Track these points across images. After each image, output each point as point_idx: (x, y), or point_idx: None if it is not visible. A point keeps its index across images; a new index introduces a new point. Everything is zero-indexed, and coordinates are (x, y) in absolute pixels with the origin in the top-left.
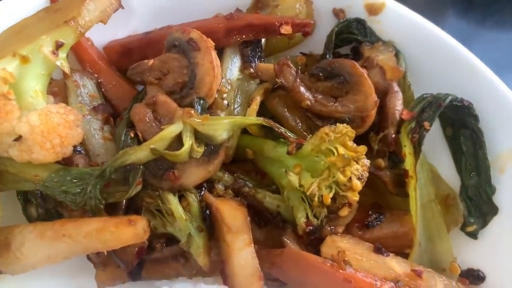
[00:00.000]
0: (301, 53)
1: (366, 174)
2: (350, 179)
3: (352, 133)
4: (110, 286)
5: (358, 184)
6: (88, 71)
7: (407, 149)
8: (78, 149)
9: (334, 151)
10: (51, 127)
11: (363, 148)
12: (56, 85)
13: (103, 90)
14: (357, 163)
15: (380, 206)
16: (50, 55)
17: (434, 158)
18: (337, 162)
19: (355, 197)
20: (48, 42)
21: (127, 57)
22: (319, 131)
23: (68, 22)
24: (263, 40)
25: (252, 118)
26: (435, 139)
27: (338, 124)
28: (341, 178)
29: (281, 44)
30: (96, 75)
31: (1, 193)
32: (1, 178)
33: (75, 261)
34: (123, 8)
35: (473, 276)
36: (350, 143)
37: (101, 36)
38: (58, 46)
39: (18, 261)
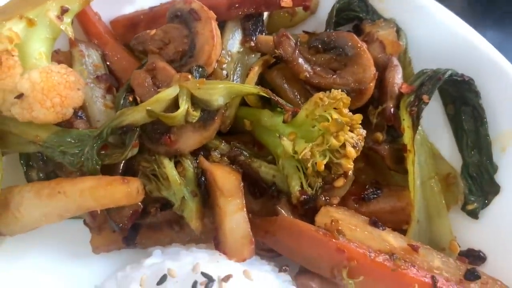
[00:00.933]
0: (303, 31)
1: (361, 143)
2: (344, 146)
3: (347, 99)
4: (104, 251)
5: (352, 151)
6: (94, 43)
7: (406, 123)
8: (79, 114)
9: (329, 117)
10: (51, 85)
11: (358, 116)
12: (62, 55)
13: (108, 62)
14: (352, 132)
15: (378, 183)
16: (55, 19)
17: (435, 138)
18: (330, 127)
19: (349, 165)
20: (54, 7)
21: (133, 31)
22: (313, 96)
23: None
24: (265, 15)
25: (249, 86)
26: (436, 118)
27: (332, 90)
28: (334, 142)
29: (283, 22)
30: (101, 48)
31: (4, 156)
32: (5, 139)
33: (72, 230)
34: None
35: (473, 256)
36: (346, 111)
37: (108, 11)
38: (64, 11)
39: (16, 220)
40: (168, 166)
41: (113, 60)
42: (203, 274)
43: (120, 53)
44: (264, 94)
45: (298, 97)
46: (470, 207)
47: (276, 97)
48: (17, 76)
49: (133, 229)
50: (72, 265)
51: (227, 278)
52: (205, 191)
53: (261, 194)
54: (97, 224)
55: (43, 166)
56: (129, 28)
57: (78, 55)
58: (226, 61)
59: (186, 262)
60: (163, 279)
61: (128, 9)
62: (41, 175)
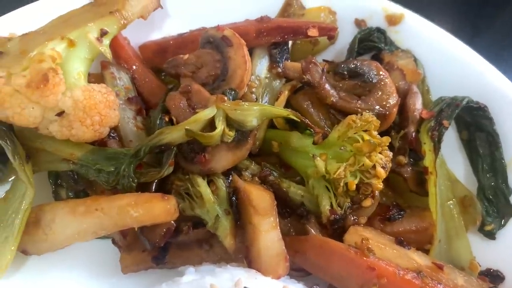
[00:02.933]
0: (324, 60)
1: (389, 164)
2: (374, 166)
3: (377, 122)
4: (133, 271)
5: (382, 172)
6: (124, 66)
7: (427, 146)
8: (112, 135)
9: (360, 139)
10: (93, 104)
11: (386, 139)
12: (93, 76)
13: (136, 85)
14: (380, 154)
15: (399, 205)
16: (95, 41)
17: (451, 163)
18: (363, 148)
19: (379, 185)
20: (94, 29)
21: (161, 56)
22: (346, 118)
23: (113, 13)
24: (290, 43)
25: (280, 109)
26: (451, 145)
27: (364, 113)
28: (367, 162)
29: (305, 50)
30: (130, 71)
31: (34, 175)
32: (37, 158)
33: (97, 250)
34: (161, 7)
35: (492, 275)
36: (375, 133)
37: (137, 36)
38: (103, 33)
39: (46, 238)
40: (202, 185)
41: (141, 83)
42: None
43: (148, 76)
44: (294, 117)
45: (324, 121)
46: (487, 228)
47: (306, 120)
48: (60, 94)
49: (163, 248)
50: (97, 285)
51: None
52: (235, 211)
53: (289, 214)
54: (127, 243)
55: (73, 185)
56: (157, 53)
57: (109, 77)
58: (255, 86)
59: (225, 278)
60: None
61: (156, 35)
62: (70, 194)
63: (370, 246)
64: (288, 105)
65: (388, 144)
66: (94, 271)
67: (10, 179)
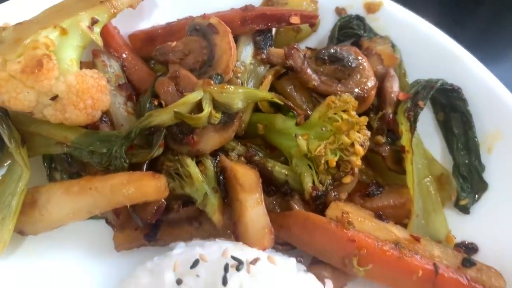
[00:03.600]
0: (306, 47)
1: (367, 142)
2: (353, 144)
3: (355, 103)
4: (126, 248)
5: (360, 149)
6: (114, 54)
7: (404, 127)
8: (104, 119)
9: (339, 119)
10: (85, 88)
11: (364, 118)
12: (85, 65)
13: (126, 73)
14: (359, 133)
15: (378, 183)
16: (86, 29)
17: (428, 143)
18: (342, 126)
19: (358, 162)
20: (85, 18)
21: (150, 44)
22: (326, 99)
23: (104, 2)
24: (273, 30)
25: (265, 92)
26: (428, 126)
27: (342, 94)
28: (346, 140)
29: (288, 38)
30: (120, 59)
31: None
32: (32, 142)
33: (90, 230)
34: None
35: (467, 247)
36: (353, 113)
37: (126, 26)
38: (94, 22)
39: (42, 218)
40: (191, 165)
41: (131, 71)
42: (233, 257)
43: (137, 64)
44: (278, 100)
45: (306, 104)
46: (462, 202)
47: (289, 102)
48: (53, 79)
49: (154, 226)
50: (92, 263)
51: (255, 261)
52: (223, 189)
53: (274, 192)
54: (120, 222)
55: (67, 168)
56: (146, 42)
57: (101, 65)
58: (241, 71)
59: (214, 249)
60: (195, 263)
61: (144, 25)
62: (64, 176)
63: (350, 219)
64: (272, 90)
65: (366, 123)
66: (89, 250)
67: (6, 164)
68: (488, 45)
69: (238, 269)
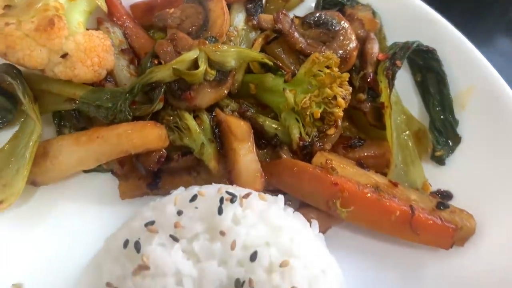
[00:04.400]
0: (294, 15)
1: (348, 96)
2: (335, 97)
3: (337, 59)
4: (130, 197)
5: (342, 102)
6: (117, 22)
7: (383, 84)
8: (109, 79)
9: (323, 74)
10: (92, 46)
11: (346, 74)
12: None
13: (128, 39)
14: (341, 87)
15: (361, 138)
16: None
17: (406, 101)
18: (325, 80)
19: (340, 113)
20: None
21: (149, 14)
22: (311, 56)
23: None
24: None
25: (256, 53)
26: (407, 87)
27: (326, 51)
28: (329, 92)
29: (277, 7)
30: (123, 27)
31: None
32: (42, 100)
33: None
34: None
35: (442, 194)
36: (335, 69)
37: None
38: None
39: (53, 168)
40: (189, 118)
41: (133, 38)
42: (227, 192)
43: (138, 32)
44: (267, 61)
45: (294, 65)
46: (437, 154)
47: (278, 62)
48: (64, 38)
49: (156, 175)
50: (99, 210)
51: (247, 195)
52: (219, 141)
53: (265, 145)
54: (124, 172)
55: (75, 123)
56: (146, 11)
57: (105, 32)
58: (234, 35)
59: (211, 188)
60: (194, 198)
61: None
62: (72, 131)
63: (333, 165)
64: (262, 52)
65: (347, 79)
66: (95, 199)
67: (18, 122)
68: (472, 31)
69: (232, 201)
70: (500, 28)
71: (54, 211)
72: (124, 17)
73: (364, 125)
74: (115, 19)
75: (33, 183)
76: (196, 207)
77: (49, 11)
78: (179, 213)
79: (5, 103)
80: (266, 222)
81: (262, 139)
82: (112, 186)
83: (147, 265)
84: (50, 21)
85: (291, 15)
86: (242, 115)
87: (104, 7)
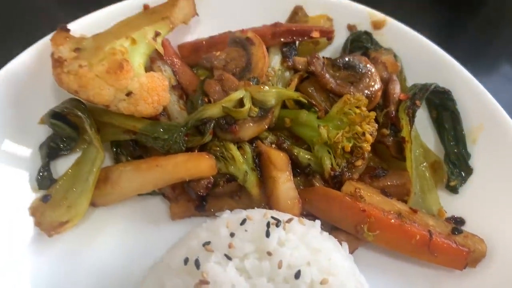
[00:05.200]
0: (323, 56)
1: (375, 133)
2: (364, 133)
3: (365, 101)
4: (180, 218)
5: (370, 137)
6: (167, 61)
7: (404, 121)
8: (163, 113)
9: (353, 113)
10: (153, 87)
11: (372, 113)
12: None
13: (176, 76)
14: (368, 124)
15: (383, 168)
16: (151, 40)
17: (424, 136)
18: (356, 118)
19: (368, 148)
20: (150, 31)
21: (195, 53)
22: (343, 97)
23: (165, 19)
24: (297, 42)
25: (292, 92)
26: (424, 122)
27: (356, 93)
28: (359, 129)
29: (309, 49)
30: (172, 65)
31: None
32: (104, 130)
33: (148, 205)
34: (198, 15)
35: (456, 220)
36: (364, 109)
37: (175, 38)
38: (157, 34)
39: (113, 191)
40: (234, 149)
41: (181, 75)
42: (273, 217)
43: (185, 70)
44: (302, 99)
45: (324, 102)
46: (452, 184)
47: (311, 100)
48: (130, 79)
49: (203, 199)
50: (151, 229)
51: (289, 220)
52: (259, 169)
53: (299, 173)
54: (175, 196)
55: (132, 151)
56: (192, 51)
57: (157, 70)
58: (271, 75)
59: (257, 212)
60: (244, 221)
61: (190, 37)
62: (128, 158)
63: (361, 194)
64: (296, 91)
65: (374, 117)
66: (147, 219)
67: (78, 149)
68: (478, 58)
69: (277, 226)
70: (506, 55)
71: (111, 229)
72: (173, 56)
73: (386, 157)
74: (165, 57)
75: (92, 204)
76: (246, 230)
77: (117, 55)
78: (232, 235)
79: (71, 133)
80: (306, 244)
81: (296, 168)
82: (162, 207)
83: (207, 280)
84: (120, 65)
85: (320, 55)
86: (279, 147)
87: (161, 50)
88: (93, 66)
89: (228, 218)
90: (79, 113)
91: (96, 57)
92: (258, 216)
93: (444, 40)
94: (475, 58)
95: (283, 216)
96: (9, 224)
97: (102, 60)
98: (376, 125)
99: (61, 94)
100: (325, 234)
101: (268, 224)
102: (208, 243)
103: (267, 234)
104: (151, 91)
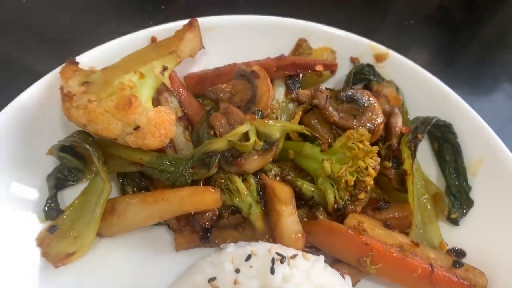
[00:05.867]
0: (326, 88)
1: (378, 167)
2: (367, 168)
3: (368, 135)
4: (185, 248)
5: (373, 172)
6: (173, 92)
7: (406, 154)
8: (169, 145)
9: (356, 148)
10: (161, 121)
11: (375, 148)
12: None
13: (183, 107)
14: (371, 158)
15: (385, 200)
16: (159, 74)
17: (425, 168)
18: (359, 153)
19: (371, 182)
20: (158, 65)
21: (201, 85)
22: (346, 132)
23: (172, 53)
24: (301, 75)
25: (296, 125)
26: (425, 154)
27: (359, 128)
28: (362, 164)
29: (312, 81)
30: (178, 96)
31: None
32: (111, 162)
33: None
34: (204, 48)
35: (457, 252)
36: (367, 143)
37: (181, 69)
38: (164, 68)
39: (119, 223)
40: (239, 181)
41: (187, 106)
42: (277, 253)
43: (191, 101)
44: (306, 131)
45: (327, 135)
46: (452, 216)
47: (315, 133)
48: (138, 114)
49: (208, 230)
50: (156, 260)
51: (294, 256)
52: (263, 201)
53: (302, 205)
54: (180, 227)
55: (138, 183)
56: (198, 82)
57: (164, 101)
58: (276, 108)
59: (261, 247)
60: (249, 257)
61: (196, 68)
62: (135, 189)
63: (364, 227)
64: (300, 123)
65: (376, 151)
66: (152, 250)
67: (85, 180)
68: (477, 81)
69: (281, 262)
70: (508, 73)
71: (116, 259)
72: (179, 87)
73: (388, 188)
74: (172, 89)
75: (98, 234)
76: (251, 266)
77: (126, 90)
78: (237, 271)
79: (78, 165)
80: (311, 280)
81: (300, 200)
82: (167, 237)
83: None
84: (129, 101)
85: (323, 87)
86: (283, 179)
87: (169, 84)
88: (102, 101)
89: (233, 253)
90: (87, 147)
91: (105, 92)
92: (262, 251)
93: (446, 62)
94: (476, 76)
95: (287, 251)
96: (16, 255)
97: (111, 95)
98: (379, 159)
99: (69, 125)
100: (329, 269)
101: (273, 260)
102: (213, 279)
103: (272, 271)
104: (158, 125)
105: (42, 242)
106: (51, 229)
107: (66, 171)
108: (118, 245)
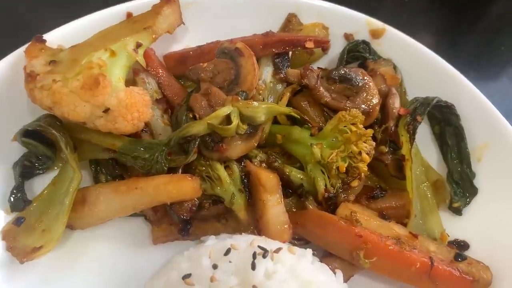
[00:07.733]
0: (318, 67)
1: (372, 151)
2: (360, 153)
3: (362, 117)
4: (162, 242)
5: (367, 157)
6: (151, 72)
7: (404, 138)
8: (145, 129)
9: (348, 131)
10: (133, 102)
11: (370, 131)
12: (127, 81)
13: (162, 89)
14: (365, 143)
15: (382, 188)
16: (132, 52)
17: (426, 153)
18: (351, 137)
19: (364, 168)
20: (131, 42)
21: (182, 64)
22: (338, 113)
23: (147, 29)
24: (290, 53)
25: (284, 107)
26: (426, 138)
27: (352, 109)
28: (355, 149)
29: (303, 60)
30: (157, 77)
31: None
32: (82, 148)
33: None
34: (184, 24)
35: (459, 244)
36: (360, 126)
37: (161, 48)
38: (138, 45)
39: (90, 214)
40: (220, 169)
41: (166, 87)
42: (259, 247)
43: (171, 82)
44: (294, 114)
45: (318, 117)
46: (455, 205)
47: (305, 116)
48: (107, 94)
49: (187, 222)
50: (131, 254)
51: (278, 250)
52: (247, 190)
53: (291, 194)
54: (157, 218)
55: (112, 171)
56: (179, 62)
57: (141, 82)
58: (262, 88)
59: (243, 240)
60: (228, 251)
61: (176, 47)
62: (108, 178)
63: (357, 217)
64: (289, 105)
65: (371, 135)
66: (128, 243)
67: (56, 168)
68: (483, 63)
69: (264, 256)
70: None
71: (89, 253)
72: (158, 67)
73: (385, 175)
74: (149, 69)
75: (69, 227)
76: (230, 261)
77: (94, 69)
78: (214, 266)
79: (46, 151)
80: (296, 277)
81: (288, 188)
82: (144, 229)
83: None
84: (96, 80)
85: (315, 66)
86: (270, 166)
87: (143, 62)
88: (67, 81)
89: (212, 246)
90: (54, 131)
91: (72, 71)
92: (243, 244)
93: (448, 45)
94: (482, 62)
95: (271, 245)
96: None
97: (78, 75)
98: (374, 143)
99: (37, 108)
100: (317, 264)
101: (254, 255)
102: (188, 275)
103: (253, 266)
104: (130, 107)
105: (7, 235)
106: (17, 221)
107: (34, 159)
108: (91, 239)
